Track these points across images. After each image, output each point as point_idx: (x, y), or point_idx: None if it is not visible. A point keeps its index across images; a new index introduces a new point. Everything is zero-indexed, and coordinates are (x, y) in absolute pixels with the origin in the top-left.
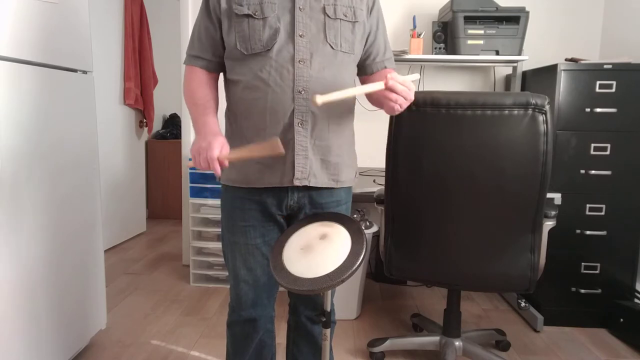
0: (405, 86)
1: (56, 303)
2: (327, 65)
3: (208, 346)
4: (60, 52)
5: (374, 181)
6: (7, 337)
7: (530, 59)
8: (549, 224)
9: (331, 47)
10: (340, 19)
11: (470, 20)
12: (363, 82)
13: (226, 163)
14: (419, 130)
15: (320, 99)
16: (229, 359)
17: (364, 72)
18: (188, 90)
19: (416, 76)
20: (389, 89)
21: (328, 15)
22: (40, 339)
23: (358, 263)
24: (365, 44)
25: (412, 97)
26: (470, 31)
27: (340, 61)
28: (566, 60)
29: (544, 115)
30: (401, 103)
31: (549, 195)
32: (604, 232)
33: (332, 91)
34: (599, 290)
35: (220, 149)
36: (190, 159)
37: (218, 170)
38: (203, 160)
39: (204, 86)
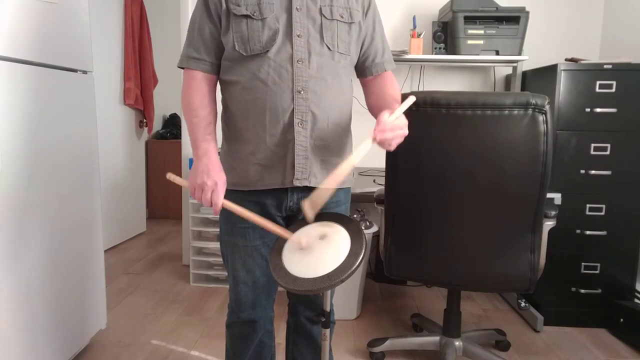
0: (395, 129)
1: (56, 303)
2: (325, 65)
3: (208, 346)
4: (60, 52)
5: (374, 181)
6: (6, 337)
7: (530, 59)
8: (549, 224)
9: (328, 48)
10: (337, 19)
11: (470, 20)
12: (365, 85)
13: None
14: (419, 130)
15: (309, 209)
16: (229, 359)
17: (364, 74)
18: (189, 105)
19: (411, 99)
20: (379, 143)
21: (324, 16)
22: (40, 338)
23: (358, 263)
24: (362, 46)
25: (405, 133)
26: (470, 31)
27: (337, 62)
28: (566, 60)
29: (544, 115)
30: (398, 142)
31: (549, 195)
32: (604, 232)
33: (330, 89)
34: (599, 290)
35: (224, 191)
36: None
37: (218, 212)
38: (206, 201)
39: (207, 101)
